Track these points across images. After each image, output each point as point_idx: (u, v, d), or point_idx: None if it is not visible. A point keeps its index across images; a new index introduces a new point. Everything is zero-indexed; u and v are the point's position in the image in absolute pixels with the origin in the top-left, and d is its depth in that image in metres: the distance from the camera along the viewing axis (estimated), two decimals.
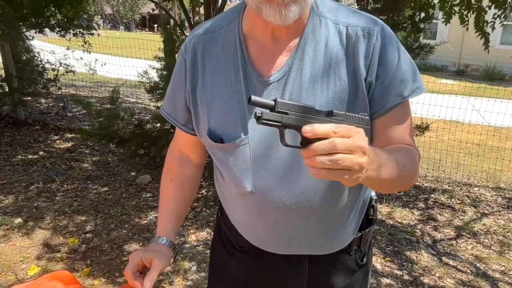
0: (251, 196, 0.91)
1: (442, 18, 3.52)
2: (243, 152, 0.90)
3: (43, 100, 6.65)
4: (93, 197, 3.47)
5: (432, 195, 3.81)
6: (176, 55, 3.69)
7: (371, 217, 1.05)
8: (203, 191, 3.59)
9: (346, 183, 0.65)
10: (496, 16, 3.38)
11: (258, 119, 0.64)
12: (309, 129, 0.61)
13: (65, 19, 5.58)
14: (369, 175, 0.68)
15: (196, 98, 0.95)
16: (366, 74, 0.86)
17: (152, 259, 0.94)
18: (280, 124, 0.65)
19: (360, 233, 1.03)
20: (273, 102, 0.65)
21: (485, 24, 3.37)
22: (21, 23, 5.06)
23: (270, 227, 0.95)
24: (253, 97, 0.65)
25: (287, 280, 1.02)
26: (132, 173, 3.92)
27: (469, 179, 4.31)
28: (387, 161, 0.75)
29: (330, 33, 0.87)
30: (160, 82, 3.64)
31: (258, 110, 0.65)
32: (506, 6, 3.20)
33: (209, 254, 2.82)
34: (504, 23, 3.42)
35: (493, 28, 3.36)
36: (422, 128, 3.99)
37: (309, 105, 0.68)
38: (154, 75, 3.73)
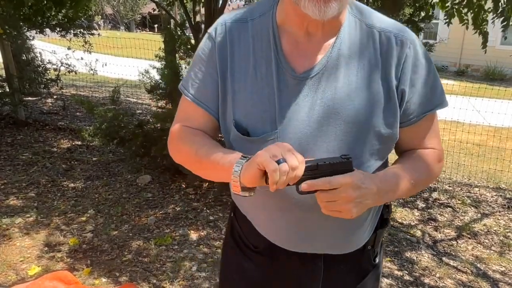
0: (275, 192, 0.89)
1: (444, 18, 3.51)
2: None
3: (43, 100, 6.65)
4: (94, 197, 3.47)
5: (433, 195, 3.81)
6: (177, 55, 3.70)
7: (385, 217, 1.05)
8: (203, 191, 3.59)
9: (344, 217, 0.82)
10: (496, 14, 3.37)
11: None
12: (306, 186, 0.79)
13: (66, 19, 5.58)
14: (377, 202, 0.85)
15: (225, 84, 0.92)
16: (398, 81, 0.87)
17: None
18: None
19: (375, 233, 1.03)
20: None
21: (484, 23, 3.36)
22: (22, 23, 5.07)
23: (290, 225, 0.95)
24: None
25: (302, 280, 1.02)
26: (133, 173, 3.93)
27: (470, 179, 4.30)
28: (396, 185, 0.88)
29: (364, 36, 0.88)
30: (161, 82, 3.64)
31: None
32: (505, 9, 3.19)
33: (209, 254, 2.83)
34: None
35: (493, 22, 3.33)
36: None
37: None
38: (154, 74, 3.73)
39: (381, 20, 0.90)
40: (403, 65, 0.87)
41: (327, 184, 0.78)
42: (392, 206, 3.72)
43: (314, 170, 0.80)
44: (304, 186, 0.79)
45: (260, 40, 0.90)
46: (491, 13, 3.31)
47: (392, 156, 1.01)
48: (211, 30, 0.95)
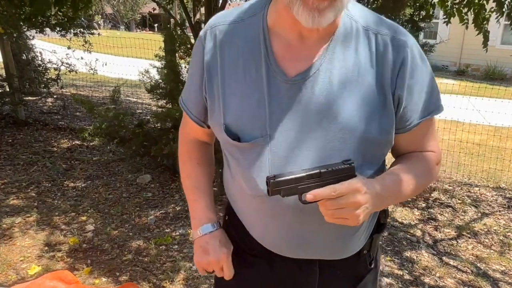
0: (266, 198, 0.86)
1: (443, 17, 3.51)
2: (261, 153, 0.86)
3: (43, 100, 6.65)
4: (94, 196, 3.47)
5: (433, 195, 3.81)
6: (177, 54, 3.69)
7: (382, 222, 1.03)
8: None
9: (350, 224, 0.80)
10: (497, 14, 3.36)
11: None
12: (311, 197, 0.76)
13: (66, 19, 5.57)
14: (377, 208, 0.84)
15: (213, 89, 0.90)
16: (395, 86, 0.84)
17: (218, 259, 1.00)
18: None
19: (371, 238, 1.01)
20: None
21: (484, 22, 3.36)
22: (22, 23, 5.06)
23: (283, 231, 0.92)
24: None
25: (298, 284, 1.00)
26: (133, 173, 3.93)
27: (470, 179, 4.31)
28: (395, 190, 0.87)
29: (360, 38, 0.85)
30: (161, 81, 3.64)
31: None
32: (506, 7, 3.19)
33: None
34: (506, 22, 3.40)
35: (498, 21, 3.32)
36: None
37: (312, 172, 0.80)
38: (154, 74, 3.73)
39: (378, 22, 0.86)
40: (400, 70, 0.83)
41: (334, 192, 0.75)
42: (392, 206, 3.73)
43: (317, 178, 0.77)
44: (309, 196, 0.76)
45: (250, 42, 0.86)
46: (494, 13, 3.31)
47: (389, 157, 1.01)
48: (201, 33, 0.93)
